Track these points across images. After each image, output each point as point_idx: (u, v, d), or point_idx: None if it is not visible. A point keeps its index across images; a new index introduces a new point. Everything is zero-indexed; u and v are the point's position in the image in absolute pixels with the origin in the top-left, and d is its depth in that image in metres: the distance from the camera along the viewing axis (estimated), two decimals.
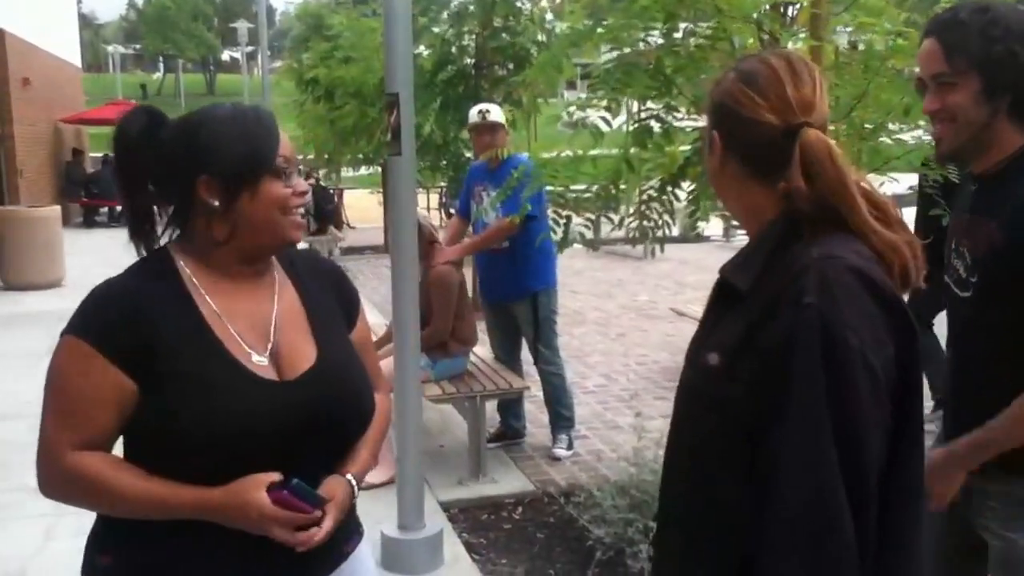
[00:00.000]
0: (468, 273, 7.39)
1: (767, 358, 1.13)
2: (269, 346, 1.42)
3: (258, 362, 1.39)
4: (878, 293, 1.15)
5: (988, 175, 1.69)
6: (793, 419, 1.10)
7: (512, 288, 4.55)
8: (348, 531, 1.52)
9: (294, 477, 1.33)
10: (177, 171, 1.39)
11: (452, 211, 13.25)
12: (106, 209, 17.19)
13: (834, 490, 1.07)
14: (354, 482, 1.45)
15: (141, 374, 1.32)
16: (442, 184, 11.60)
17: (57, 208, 10.58)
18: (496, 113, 4.61)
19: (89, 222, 16.69)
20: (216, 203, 1.37)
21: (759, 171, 1.25)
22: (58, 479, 1.35)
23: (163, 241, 1.46)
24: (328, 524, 1.36)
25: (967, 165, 1.78)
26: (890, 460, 1.14)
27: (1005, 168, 1.65)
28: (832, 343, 1.09)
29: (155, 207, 1.46)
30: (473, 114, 4.68)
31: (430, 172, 8.90)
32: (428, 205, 15.28)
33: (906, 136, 3.60)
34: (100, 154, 18.32)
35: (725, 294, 1.25)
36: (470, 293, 7.31)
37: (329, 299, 1.55)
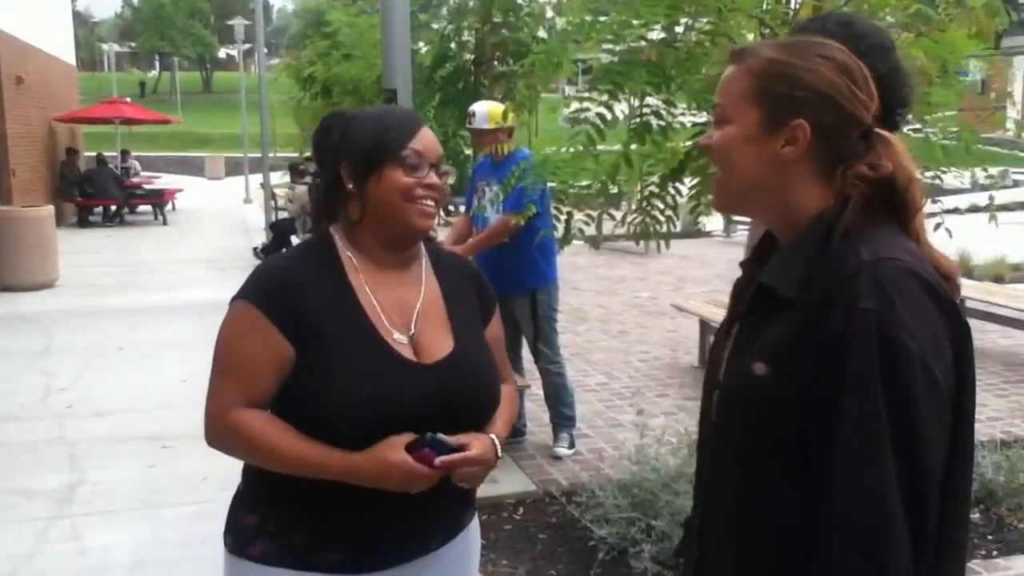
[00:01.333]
0: None
1: (820, 363, 1.10)
2: (411, 330, 1.55)
3: (399, 340, 1.53)
4: (935, 296, 1.11)
5: None
6: (849, 424, 1.07)
7: (510, 282, 4.49)
8: (468, 503, 1.66)
9: (428, 432, 1.43)
10: (329, 157, 1.57)
11: (451, 207, 13.24)
12: (100, 209, 17.12)
13: (888, 496, 1.05)
14: (497, 442, 1.56)
15: (298, 339, 1.46)
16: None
17: (51, 208, 10.50)
18: (481, 118, 4.49)
19: (83, 222, 16.61)
20: (351, 186, 1.54)
21: (831, 166, 1.19)
22: (223, 432, 1.49)
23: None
24: (474, 452, 1.48)
25: None
26: (949, 464, 1.12)
27: None
28: (890, 348, 1.06)
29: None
30: (470, 115, 4.64)
31: None
32: None
33: (909, 131, 3.58)
34: (94, 153, 18.24)
35: (766, 300, 1.20)
36: None
37: (470, 298, 1.69)
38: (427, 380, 1.50)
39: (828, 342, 1.09)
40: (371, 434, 1.43)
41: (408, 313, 1.56)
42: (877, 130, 1.19)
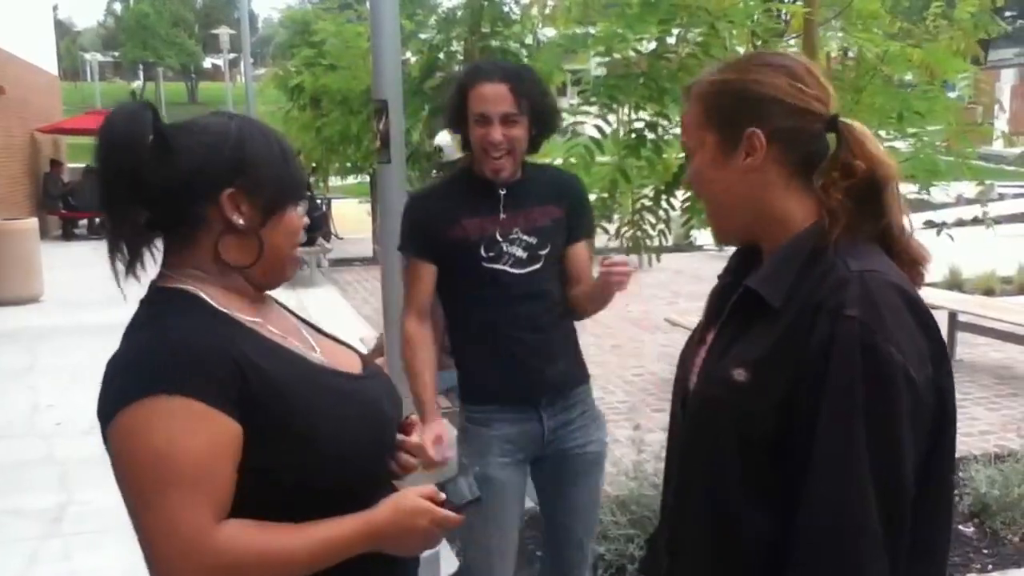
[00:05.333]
0: None
1: (801, 371, 1.10)
2: (317, 351, 1.35)
3: (327, 364, 1.32)
4: (918, 312, 1.13)
5: None
6: (826, 430, 1.08)
7: None
8: None
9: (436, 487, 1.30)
10: (197, 181, 1.21)
11: None
12: (85, 221, 16.98)
13: (862, 503, 1.05)
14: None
15: (249, 414, 1.15)
16: None
17: (34, 220, 10.40)
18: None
19: (68, 235, 16.48)
20: (241, 221, 1.23)
21: (804, 168, 1.20)
22: (211, 567, 1.10)
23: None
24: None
25: None
26: (924, 475, 1.12)
27: None
28: (874, 356, 1.06)
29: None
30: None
31: (420, 180, 8.82)
32: None
33: (900, 144, 3.59)
34: (80, 164, 18.09)
35: (750, 307, 1.20)
36: None
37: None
38: (370, 389, 1.35)
39: (812, 349, 1.09)
40: (366, 472, 1.27)
41: (300, 336, 1.36)
42: (843, 120, 1.20)
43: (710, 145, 1.23)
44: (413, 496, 1.25)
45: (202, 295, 1.23)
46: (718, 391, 1.20)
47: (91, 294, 10.17)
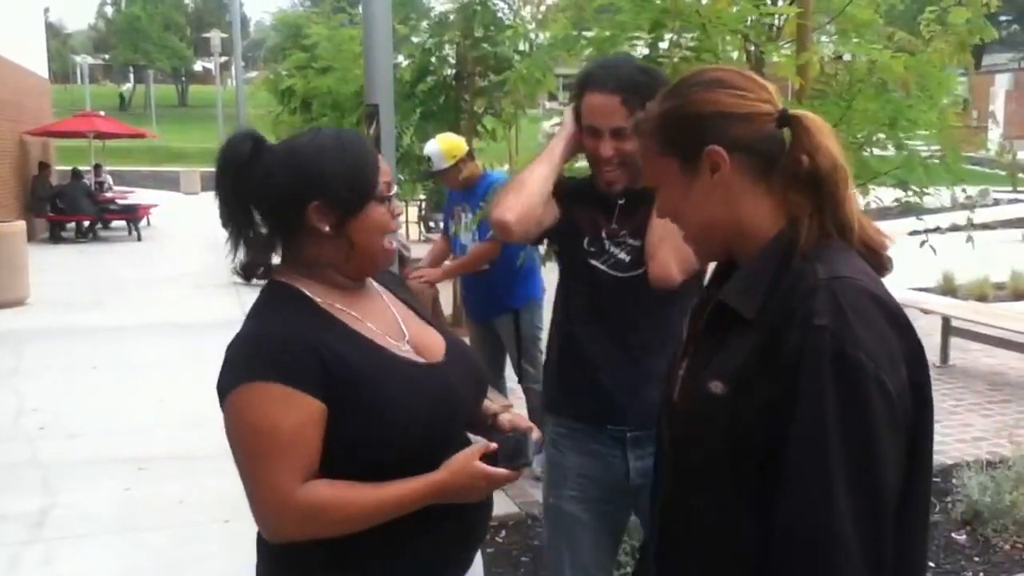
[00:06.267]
0: (448, 288, 7.33)
1: (776, 382, 1.10)
2: (407, 338, 1.55)
3: (405, 351, 1.51)
4: (890, 314, 1.13)
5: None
6: (798, 440, 1.08)
7: (494, 306, 4.49)
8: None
9: (488, 440, 1.48)
10: (288, 197, 1.45)
11: (432, 224, 13.15)
12: (73, 224, 16.89)
13: (834, 510, 1.05)
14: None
15: (330, 395, 1.38)
16: (422, 197, 11.50)
17: (22, 223, 10.33)
18: (438, 158, 4.41)
19: (56, 237, 16.39)
20: (327, 228, 1.45)
21: (766, 172, 1.20)
22: (298, 518, 1.38)
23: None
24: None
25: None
26: (905, 477, 1.12)
27: None
28: (844, 364, 1.06)
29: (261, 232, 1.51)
30: (426, 160, 4.55)
31: (410, 184, 8.80)
32: (407, 218, 15.17)
33: (891, 151, 3.58)
34: (69, 167, 18.01)
35: (724, 319, 1.20)
36: (450, 308, 7.27)
37: (410, 298, 1.71)
38: (446, 375, 1.53)
39: (785, 360, 1.09)
40: (424, 451, 1.44)
41: (394, 325, 1.56)
42: (793, 112, 1.20)
43: (672, 173, 1.24)
44: (465, 458, 1.44)
45: (303, 290, 1.47)
46: (697, 404, 1.21)
47: (78, 297, 10.15)
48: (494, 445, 1.46)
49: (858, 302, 1.10)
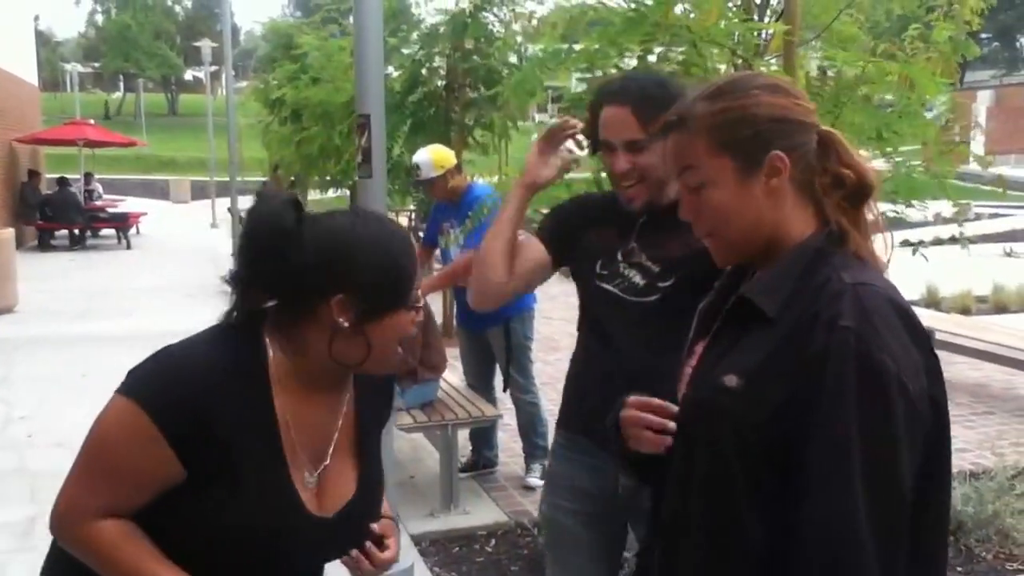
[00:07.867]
0: (438, 299, 7.33)
1: (797, 380, 1.11)
2: (321, 466, 1.41)
3: (308, 483, 1.39)
4: (912, 325, 1.14)
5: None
6: (821, 439, 1.08)
7: (486, 317, 4.48)
8: None
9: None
10: (315, 282, 1.32)
11: (421, 234, 13.13)
12: (63, 232, 16.82)
13: (856, 512, 1.06)
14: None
15: (195, 465, 1.28)
16: (411, 207, 11.50)
17: (10, 231, 10.28)
18: (427, 168, 4.43)
19: (45, 245, 16.30)
20: (345, 324, 1.32)
21: (809, 180, 1.23)
22: (71, 540, 1.35)
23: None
24: (393, 548, 1.50)
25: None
26: (921, 489, 1.12)
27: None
28: (868, 366, 1.08)
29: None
30: (414, 169, 4.56)
31: (400, 195, 8.81)
32: None
33: (879, 164, 3.62)
34: (57, 175, 17.94)
35: (744, 315, 1.21)
36: (441, 318, 7.28)
37: (379, 417, 1.57)
38: (322, 534, 1.40)
39: (807, 359, 1.11)
40: (245, 565, 1.35)
41: (323, 446, 1.41)
42: (824, 128, 1.24)
43: (727, 173, 1.22)
44: None
45: (270, 352, 1.35)
46: (709, 395, 1.21)
47: (66, 305, 10.10)
48: None
49: (883, 309, 1.12)
